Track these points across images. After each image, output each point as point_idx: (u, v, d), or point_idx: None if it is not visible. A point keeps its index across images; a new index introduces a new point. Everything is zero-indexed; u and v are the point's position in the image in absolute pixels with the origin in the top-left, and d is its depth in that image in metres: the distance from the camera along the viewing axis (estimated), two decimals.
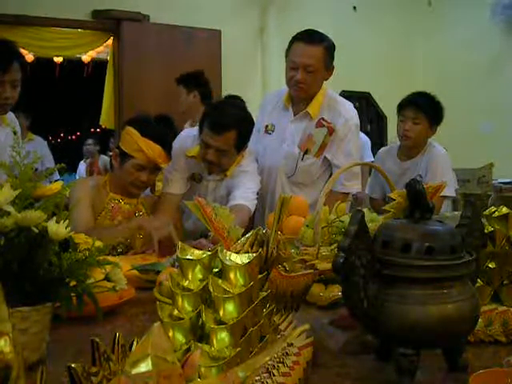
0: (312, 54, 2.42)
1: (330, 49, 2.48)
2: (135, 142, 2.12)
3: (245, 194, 2.33)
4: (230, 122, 2.23)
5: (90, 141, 7.73)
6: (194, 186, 2.48)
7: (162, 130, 2.24)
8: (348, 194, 2.57)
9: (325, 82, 2.60)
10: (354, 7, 6.67)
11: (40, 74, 7.15)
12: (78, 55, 6.10)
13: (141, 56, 5.33)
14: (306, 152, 2.53)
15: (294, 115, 2.59)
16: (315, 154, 2.53)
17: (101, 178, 2.43)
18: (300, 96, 2.54)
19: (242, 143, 2.31)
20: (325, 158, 2.55)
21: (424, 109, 2.86)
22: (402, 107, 2.95)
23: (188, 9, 5.61)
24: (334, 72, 2.57)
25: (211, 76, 4.26)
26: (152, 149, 2.12)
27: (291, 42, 2.50)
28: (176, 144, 2.38)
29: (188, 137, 2.50)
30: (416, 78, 6.87)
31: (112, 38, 5.47)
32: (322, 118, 2.52)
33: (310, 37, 2.46)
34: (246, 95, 5.03)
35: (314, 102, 2.53)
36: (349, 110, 2.58)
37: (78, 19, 5.28)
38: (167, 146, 2.20)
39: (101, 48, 5.81)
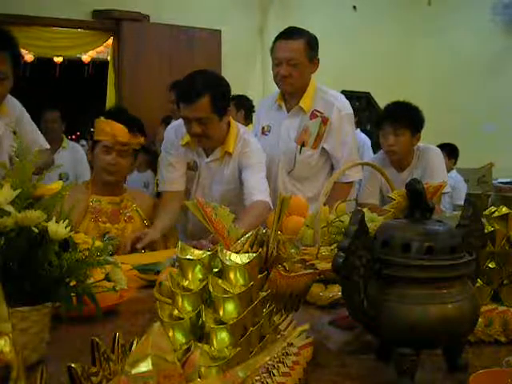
0: (293, 47, 2.48)
1: (310, 42, 2.53)
2: (100, 126, 2.20)
3: (261, 185, 2.28)
4: (200, 88, 2.12)
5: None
6: (193, 175, 2.40)
7: (129, 115, 2.31)
8: (352, 182, 2.61)
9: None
10: (354, 7, 6.68)
11: (40, 74, 7.16)
12: (78, 55, 6.10)
13: (141, 56, 5.33)
14: (302, 145, 2.57)
15: (288, 112, 2.63)
16: (312, 145, 2.57)
17: (84, 181, 2.52)
18: (289, 90, 2.57)
19: (220, 107, 2.18)
20: (323, 149, 2.58)
21: (402, 120, 2.77)
22: (380, 122, 2.88)
23: (188, 9, 5.62)
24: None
25: None
26: (114, 127, 2.17)
27: (273, 42, 2.56)
28: (164, 143, 2.43)
29: (170, 129, 2.48)
30: (416, 77, 6.87)
31: (112, 38, 5.48)
32: (316, 110, 2.57)
33: (289, 33, 2.54)
34: (245, 95, 5.07)
35: (306, 96, 2.57)
36: (341, 101, 2.63)
37: (78, 19, 5.28)
38: (133, 128, 2.21)
39: (101, 48, 5.81)
